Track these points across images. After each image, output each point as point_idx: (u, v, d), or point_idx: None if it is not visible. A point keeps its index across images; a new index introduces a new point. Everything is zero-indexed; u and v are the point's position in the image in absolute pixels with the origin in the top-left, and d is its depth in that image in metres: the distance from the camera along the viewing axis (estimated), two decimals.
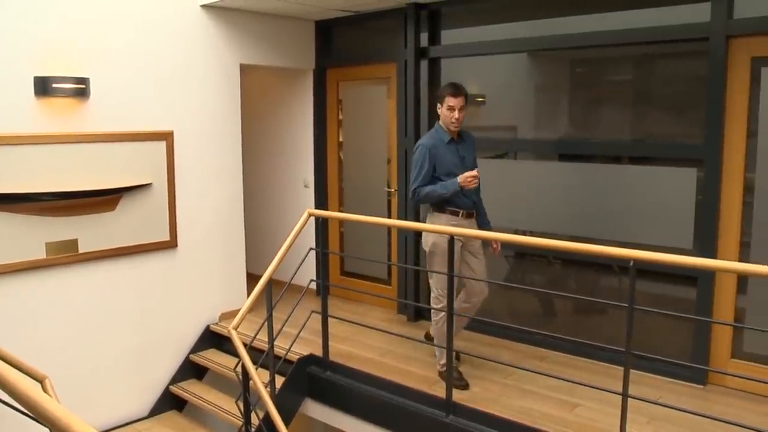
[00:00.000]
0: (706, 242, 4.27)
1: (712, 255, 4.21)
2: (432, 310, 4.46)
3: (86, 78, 4.81)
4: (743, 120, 4.13)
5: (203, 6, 5.49)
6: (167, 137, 5.33)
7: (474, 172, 4.19)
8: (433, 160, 4.31)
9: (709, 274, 4.27)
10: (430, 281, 4.55)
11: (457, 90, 4.27)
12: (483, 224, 4.57)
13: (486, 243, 4.55)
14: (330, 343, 4.80)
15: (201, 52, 5.56)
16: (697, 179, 4.36)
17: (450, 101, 4.27)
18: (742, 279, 4.25)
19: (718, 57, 4.12)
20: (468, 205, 4.41)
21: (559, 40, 4.93)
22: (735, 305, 4.28)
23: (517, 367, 4.30)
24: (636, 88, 4.87)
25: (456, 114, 4.26)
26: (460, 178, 4.19)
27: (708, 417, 3.38)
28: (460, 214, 4.37)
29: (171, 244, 5.46)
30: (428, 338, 4.85)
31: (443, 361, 4.27)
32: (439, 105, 4.36)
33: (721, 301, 4.30)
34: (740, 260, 4.19)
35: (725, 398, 4.16)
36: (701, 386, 4.33)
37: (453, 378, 4.13)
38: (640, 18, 4.54)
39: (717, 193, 4.22)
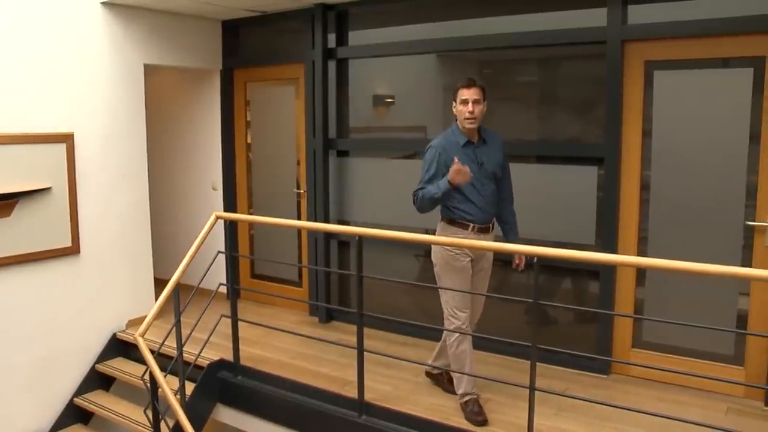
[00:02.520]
0: (607, 238, 4.44)
1: (613, 250, 4.38)
2: (445, 332, 4.04)
3: None
4: (639, 120, 4.31)
5: (104, 3, 5.31)
6: (67, 139, 5.12)
7: (465, 167, 3.62)
8: (443, 164, 3.79)
9: (610, 269, 4.44)
10: (441, 300, 4.05)
11: (470, 81, 3.81)
12: (511, 241, 4.09)
13: (503, 258, 4.24)
14: (241, 347, 4.73)
15: (102, 52, 5.37)
16: (597, 177, 4.52)
17: (463, 93, 3.80)
18: (641, 272, 4.44)
19: (615, 60, 4.29)
20: (480, 218, 3.89)
21: (465, 42, 5.02)
22: (635, 297, 4.47)
23: (427, 365, 4.34)
24: (541, 89, 5.01)
25: (470, 107, 3.77)
26: (450, 175, 3.64)
27: (611, 405, 3.52)
28: (470, 228, 3.88)
29: (73, 250, 5.25)
30: (429, 376, 4.43)
31: (461, 389, 3.98)
32: (453, 103, 3.89)
33: (622, 294, 4.48)
34: (638, 254, 4.37)
35: (627, 386, 4.32)
36: (605, 376, 4.49)
37: (473, 411, 3.89)
38: (544, 21, 4.68)
39: (616, 190, 4.39)
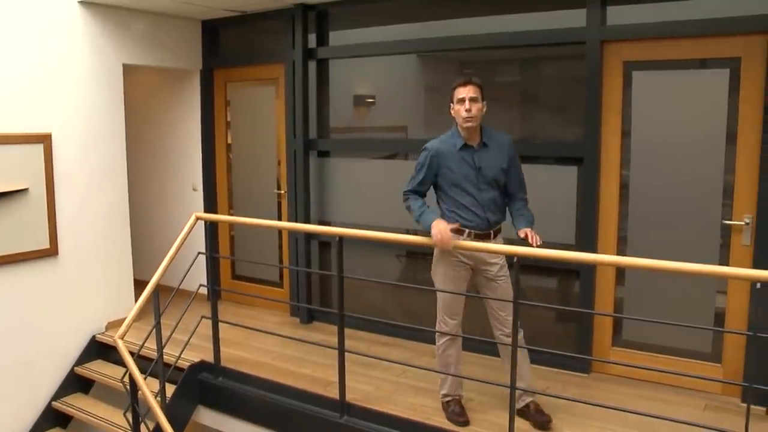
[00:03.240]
0: (586, 237, 4.46)
1: (593, 249, 4.40)
2: (436, 336, 3.94)
3: None
4: (618, 121, 4.34)
5: (81, 2, 5.27)
6: (45, 140, 5.07)
7: (449, 241, 3.52)
8: (434, 168, 3.69)
9: (591, 268, 4.47)
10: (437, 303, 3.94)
11: (466, 78, 3.64)
12: (519, 225, 3.73)
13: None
14: (222, 348, 4.71)
15: (80, 51, 5.32)
16: (577, 177, 4.55)
17: (459, 92, 3.61)
18: (621, 271, 4.47)
19: (594, 60, 4.31)
20: (477, 224, 3.70)
21: (446, 42, 5.02)
22: (614, 296, 4.50)
23: (409, 365, 4.34)
24: (521, 90, 5.03)
25: (467, 105, 3.58)
26: (434, 228, 3.53)
27: (592, 404, 3.54)
28: (466, 234, 3.70)
29: (51, 252, 5.20)
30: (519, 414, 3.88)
31: (444, 390, 3.96)
32: (450, 104, 3.71)
33: (602, 293, 4.50)
34: (618, 254, 4.40)
35: (608, 384, 4.35)
36: (586, 375, 4.51)
37: (454, 412, 3.86)
38: (524, 22, 4.70)
39: (596, 190, 4.42)
